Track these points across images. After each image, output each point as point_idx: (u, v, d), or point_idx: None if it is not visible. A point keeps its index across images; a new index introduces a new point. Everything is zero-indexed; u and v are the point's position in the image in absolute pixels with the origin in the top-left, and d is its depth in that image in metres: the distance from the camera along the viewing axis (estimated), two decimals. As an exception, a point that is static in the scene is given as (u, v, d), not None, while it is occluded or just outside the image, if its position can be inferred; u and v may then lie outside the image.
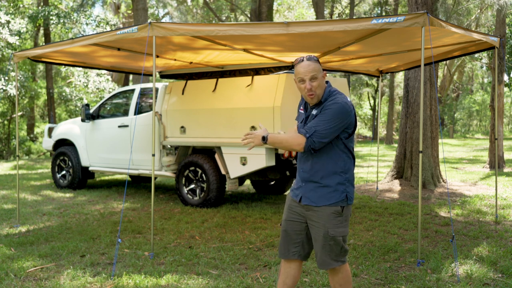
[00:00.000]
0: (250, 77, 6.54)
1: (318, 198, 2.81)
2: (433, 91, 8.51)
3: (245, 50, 5.98)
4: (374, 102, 31.68)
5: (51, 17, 16.68)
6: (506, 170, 11.47)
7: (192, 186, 7.16)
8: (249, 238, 5.26)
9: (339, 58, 6.59)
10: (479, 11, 13.93)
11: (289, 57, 6.56)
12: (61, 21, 16.82)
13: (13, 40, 15.58)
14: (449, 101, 33.70)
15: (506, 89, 15.95)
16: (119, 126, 7.93)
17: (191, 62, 7.09)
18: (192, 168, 7.08)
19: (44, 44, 15.43)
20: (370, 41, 5.37)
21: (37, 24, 19.53)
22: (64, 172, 8.96)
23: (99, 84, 20.91)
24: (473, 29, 12.95)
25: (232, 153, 6.61)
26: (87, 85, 21.14)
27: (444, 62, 24.06)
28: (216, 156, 6.85)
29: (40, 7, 18.42)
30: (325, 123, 2.71)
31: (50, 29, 20.24)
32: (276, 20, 24.73)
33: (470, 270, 4.09)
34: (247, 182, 9.33)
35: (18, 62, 6.51)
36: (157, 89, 7.49)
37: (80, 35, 15.58)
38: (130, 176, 9.48)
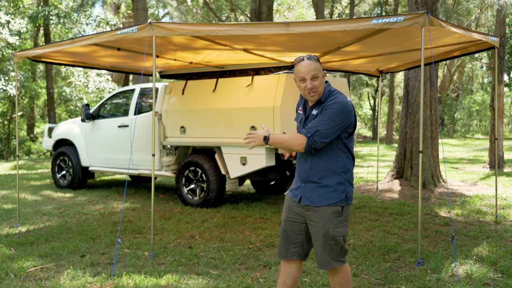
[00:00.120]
0: (250, 77, 6.54)
1: (318, 198, 2.81)
2: (433, 91, 8.51)
3: (245, 50, 5.98)
4: (374, 102, 31.68)
5: (51, 17, 16.68)
6: (506, 170, 11.47)
7: (192, 186, 7.16)
8: (249, 238, 5.26)
9: (339, 58, 6.59)
10: (479, 11, 13.94)
11: (289, 57, 6.56)
12: (61, 21, 16.83)
13: (13, 40, 15.58)
14: (449, 101, 33.69)
15: (506, 89, 15.94)
16: (119, 126, 7.94)
17: (191, 62, 7.09)
18: (192, 168, 7.09)
19: (44, 44, 15.42)
20: (370, 41, 5.37)
21: (37, 24, 19.54)
22: (64, 172, 8.96)
23: (99, 84, 20.92)
24: (473, 29, 12.95)
25: (232, 153, 6.61)
26: (87, 85, 21.16)
27: (444, 62, 24.06)
28: (216, 156, 6.85)
29: (40, 7, 18.43)
30: (326, 123, 2.72)
31: (50, 29, 20.25)
32: (276, 20, 24.73)
33: (470, 270, 4.09)
34: (247, 182, 9.32)
35: (18, 62, 6.51)
36: (157, 89, 7.49)
37: (80, 35, 15.56)
38: (130, 176, 9.48)
